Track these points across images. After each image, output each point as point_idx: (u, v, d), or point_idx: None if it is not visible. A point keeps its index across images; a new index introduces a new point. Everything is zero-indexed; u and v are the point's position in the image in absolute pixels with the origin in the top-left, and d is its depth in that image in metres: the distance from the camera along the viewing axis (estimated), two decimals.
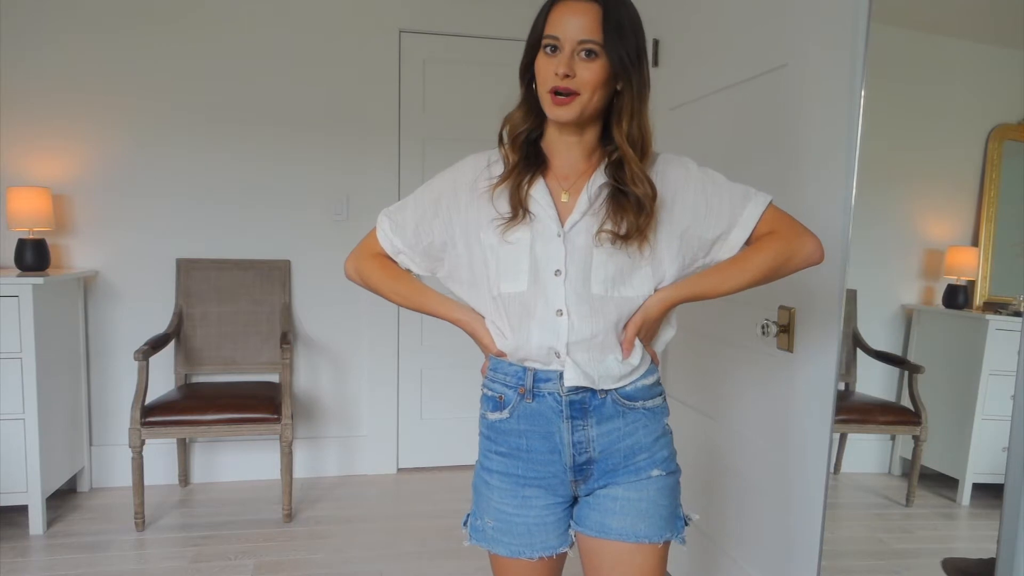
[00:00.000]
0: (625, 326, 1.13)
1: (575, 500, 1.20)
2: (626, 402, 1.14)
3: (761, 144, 1.81)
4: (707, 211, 1.14)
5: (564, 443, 1.13)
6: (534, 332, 1.11)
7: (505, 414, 1.16)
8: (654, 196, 1.10)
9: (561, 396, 1.12)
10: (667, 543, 1.17)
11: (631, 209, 1.08)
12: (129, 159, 3.01)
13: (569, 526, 1.20)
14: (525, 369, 1.14)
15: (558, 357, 1.11)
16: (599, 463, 1.14)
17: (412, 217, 1.22)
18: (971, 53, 1.68)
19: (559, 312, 1.10)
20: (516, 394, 1.15)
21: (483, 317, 1.19)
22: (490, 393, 1.19)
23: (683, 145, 2.17)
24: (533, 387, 1.13)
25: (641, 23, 1.09)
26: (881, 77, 1.49)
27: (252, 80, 3.09)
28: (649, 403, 1.17)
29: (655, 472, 1.16)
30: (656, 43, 2.36)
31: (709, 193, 1.14)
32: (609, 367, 1.13)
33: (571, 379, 1.10)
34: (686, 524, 1.21)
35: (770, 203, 1.16)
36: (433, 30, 3.25)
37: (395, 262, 1.27)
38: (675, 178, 1.15)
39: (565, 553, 1.21)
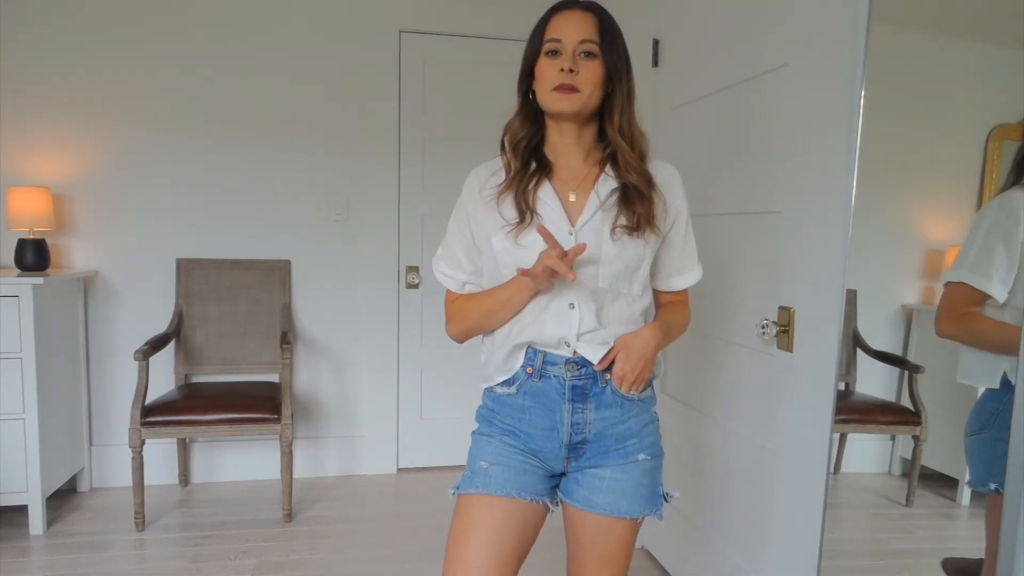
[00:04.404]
0: (614, 364, 1.22)
1: (558, 477, 1.30)
2: (623, 392, 1.24)
3: (762, 144, 1.81)
4: (681, 248, 1.32)
5: (563, 423, 1.23)
6: (548, 323, 1.21)
7: (513, 390, 1.26)
8: (649, 183, 1.23)
9: (565, 380, 1.22)
10: (643, 518, 1.28)
11: (637, 200, 1.20)
12: (129, 159, 3.01)
13: (554, 491, 1.29)
14: (536, 351, 1.23)
15: (568, 346, 1.21)
16: (592, 444, 1.24)
17: (459, 249, 1.32)
18: (971, 53, 1.68)
19: (571, 305, 1.21)
20: (525, 373, 1.24)
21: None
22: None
23: (684, 145, 2.18)
24: (542, 368, 1.23)
25: (624, 40, 1.24)
26: (881, 77, 1.49)
27: (252, 80, 3.09)
28: (643, 394, 1.27)
29: (641, 456, 1.26)
30: (656, 43, 2.36)
31: (686, 237, 1.32)
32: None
33: (584, 352, 1.21)
34: (666, 501, 1.31)
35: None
36: (433, 30, 3.25)
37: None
38: (667, 184, 1.27)
39: (543, 516, 1.27)
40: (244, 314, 3.10)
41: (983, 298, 1.35)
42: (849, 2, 1.43)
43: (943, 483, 1.82)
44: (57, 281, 2.71)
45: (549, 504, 1.27)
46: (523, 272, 1.17)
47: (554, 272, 1.14)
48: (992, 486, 1.32)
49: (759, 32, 1.80)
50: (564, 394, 1.22)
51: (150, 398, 2.66)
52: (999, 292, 1.33)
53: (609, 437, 1.24)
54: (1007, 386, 1.29)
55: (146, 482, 2.71)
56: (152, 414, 2.59)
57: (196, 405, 2.67)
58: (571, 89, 1.16)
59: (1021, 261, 1.31)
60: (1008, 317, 1.33)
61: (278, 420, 2.69)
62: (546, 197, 1.22)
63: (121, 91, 2.98)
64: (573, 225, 1.21)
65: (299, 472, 3.18)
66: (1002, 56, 1.56)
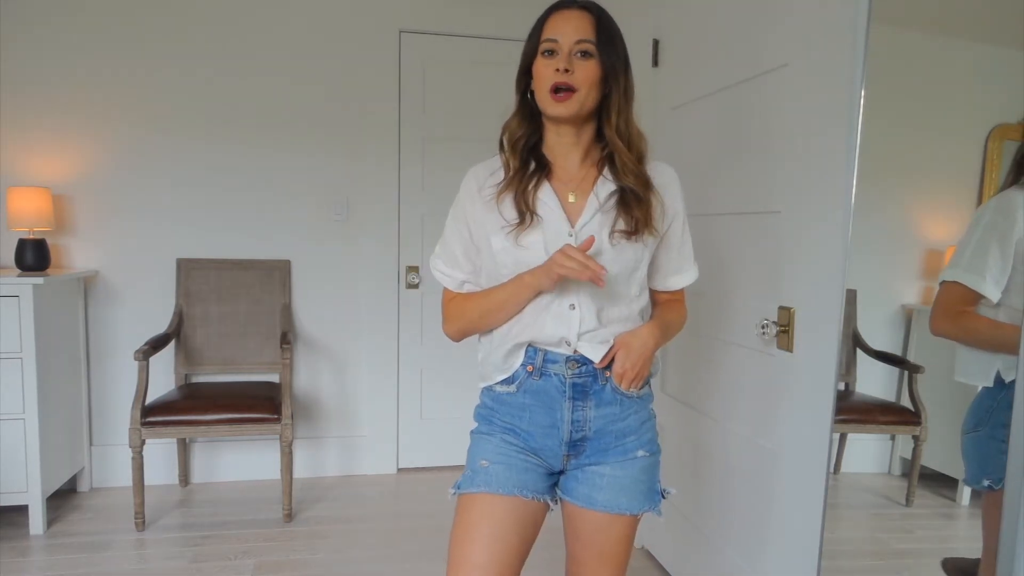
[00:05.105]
0: (615, 361, 1.23)
1: (557, 475, 1.30)
2: (623, 390, 1.25)
3: (762, 144, 1.81)
4: (679, 249, 1.32)
5: (564, 420, 1.23)
6: (548, 323, 1.21)
7: (513, 388, 1.26)
8: (647, 185, 1.22)
9: (566, 378, 1.22)
10: (642, 514, 1.29)
11: (635, 203, 1.19)
12: (129, 159, 3.01)
13: (553, 489, 1.30)
14: (536, 350, 1.23)
15: (568, 345, 1.22)
16: (592, 441, 1.25)
17: (457, 248, 1.31)
18: (971, 53, 1.68)
19: (572, 306, 1.21)
20: (525, 371, 1.24)
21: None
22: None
23: (684, 145, 2.18)
24: (542, 366, 1.23)
25: (624, 40, 1.23)
26: (881, 77, 1.49)
27: (252, 80, 3.09)
28: (641, 391, 1.28)
29: (640, 453, 1.27)
30: (656, 43, 2.36)
31: (683, 238, 1.33)
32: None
33: (585, 351, 1.22)
34: (663, 497, 1.31)
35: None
36: (433, 30, 3.25)
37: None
38: (666, 186, 1.27)
39: (544, 514, 1.28)
40: (244, 314, 3.10)
41: (977, 297, 1.36)
42: (849, 2, 1.43)
43: (943, 483, 1.82)
44: (57, 281, 2.71)
45: (549, 502, 1.28)
46: (537, 270, 1.16)
47: (559, 276, 1.14)
48: (986, 483, 1.33)
49: (759, 32, 1.80)
50: (565, 392, 1.22)
51: (150, 398, 2.66)
52: (992, 292, 1.33)
53: (609, 434, 1.25)
54: (1001, 384, 1.30)
55: (146, 482, 2.72)
56: (152, 414, 2.59)
57: (196, 405, 2.67)
58: (567, 91, 1.16)
59: (1015, 261, 1.31)
60: (1003, 316, 1.33)
61: (278, 420, 2.69)
62: (546, 198, 1.22)
63: (121, 91, 2.98)
64: (573, 226, 1.21)
65: (299, 472, 3.18)
66: (1002, 56, 1.56)
